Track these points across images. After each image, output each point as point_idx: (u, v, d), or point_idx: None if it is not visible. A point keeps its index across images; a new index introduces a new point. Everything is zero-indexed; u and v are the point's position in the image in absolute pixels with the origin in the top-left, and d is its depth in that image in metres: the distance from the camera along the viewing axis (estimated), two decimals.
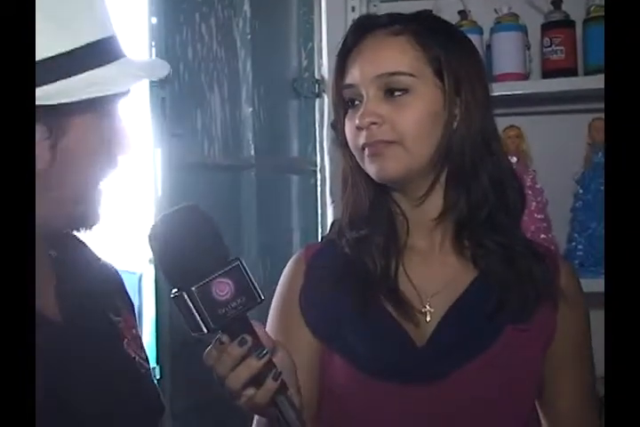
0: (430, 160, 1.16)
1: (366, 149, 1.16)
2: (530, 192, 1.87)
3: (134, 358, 1.09)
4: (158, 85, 1.72)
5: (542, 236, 1.87)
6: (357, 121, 1.16)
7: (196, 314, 0.87)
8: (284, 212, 2.23)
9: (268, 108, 2.12)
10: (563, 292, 1.19)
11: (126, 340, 1.10)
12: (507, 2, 1.98)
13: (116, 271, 1.20)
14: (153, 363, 1.73)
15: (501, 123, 1.95)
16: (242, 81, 2.04)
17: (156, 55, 1.73)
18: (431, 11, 1.31)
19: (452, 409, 1.10)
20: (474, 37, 1.93)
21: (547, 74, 1.94)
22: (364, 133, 1.16)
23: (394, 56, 1.16)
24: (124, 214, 1.81)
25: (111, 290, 1.13)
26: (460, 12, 2.02)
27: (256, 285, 0.92)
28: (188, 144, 1.83)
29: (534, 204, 1.89)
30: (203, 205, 1.84)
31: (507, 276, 1.16)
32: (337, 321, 1.16)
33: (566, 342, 1.19)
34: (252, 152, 2.04)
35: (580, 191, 1.93)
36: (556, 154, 2.01)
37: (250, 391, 0.92)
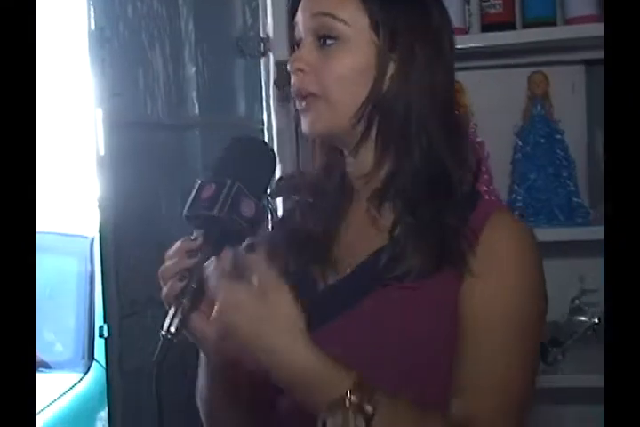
0: (354, 117, 1.10)
1: (297, 103, 1.13)
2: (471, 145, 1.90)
3: None
4: (98, 44, 1.72)
5: (484, 188, 1.91)
6: (288, 65, 1.13)
7: (222, 199, 0.94)
8: None
9: (212, 66, 2.11)
10: (475, 259, 1.05)
11: None
12: None
13: None
14: (101, 321, 1.76)
15: None
16: (184, 40, 2.03)
17: (95, 13, 1.71)
18: None
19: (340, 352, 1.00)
20: None
21: (485, 28, 1.96)
22: (294, 81, 1.13)
23: None
24: (66, 175, 1.81)
25: None
26: None
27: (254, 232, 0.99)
28: (129, 103, 1.83)
29: None
30: (146, 165, 1.87)
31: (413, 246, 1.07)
32: None
33: (470, 318, 1.04)
34: (197, 111, 2.04)
35: (520, 144, 1.97)
36: (496, 107, 2.04)
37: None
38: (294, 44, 1.15)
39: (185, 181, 2.03)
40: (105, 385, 1.81)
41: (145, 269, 1.86)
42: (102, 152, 1.73)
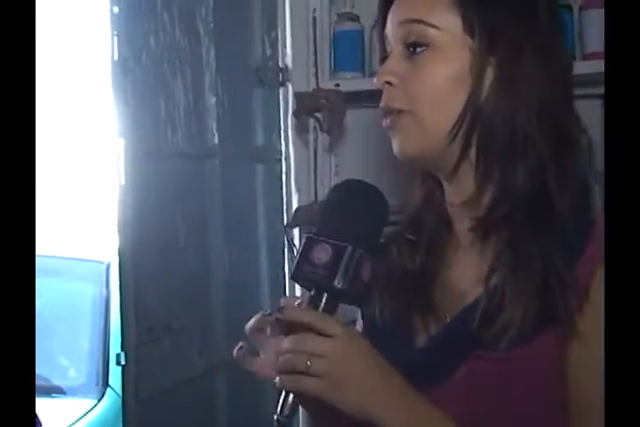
0: (449, 135, 0.95)
1: (383, 120, 0.99)
2: None
3: None
4: (121, 74, 1.74)
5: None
6: (375, 79, 0.99)
7: (343, 268, 0.86)
8: (249, 200, 2.25)
9: (231, 96, 2.14)
10: (582, 320, 0.89)
11: None
12: None
13: None
14: (118, 349, 1.76)
15: None
16: (205, 69, 2.05)
17: (118, 43, 1.74)
18: None
19: None
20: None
21: None
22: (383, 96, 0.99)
23: (422, 1, 0.97)
24: (88, 204, 1.82)
25: None
26: None
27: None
28: (151, 133, 1.85)
29: None
30: (166, 193, 1.88)
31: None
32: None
33: (576, 391, 0.90)
34: (216, 141, 2.06)
35: None
36: None
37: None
38: (383, 59, 1.03)
39: (204, 211, 2.05)
40: (119, 412, 1.82)
41: (162, 297, 1.87)
42: (123, 181, 1.74)
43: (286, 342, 0.85)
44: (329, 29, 2.13)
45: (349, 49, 2.08)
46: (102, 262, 3.22)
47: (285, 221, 2.21)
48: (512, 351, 0.89)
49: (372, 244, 0.90)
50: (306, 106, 2.01)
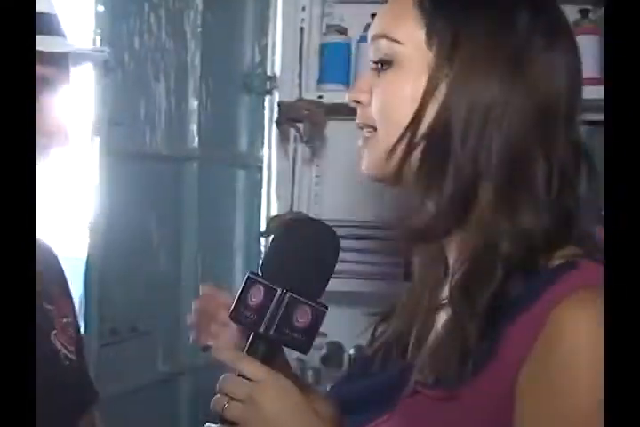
0: (390, 153, 0.89)
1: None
2: None
3: (59, 350, 1.10)
4: (100, 73, 1.73)
5: None
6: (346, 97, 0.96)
7: (269, 313, 0.83)
8: (227, 206, 2.24)
9: (215, 101, 2.13)
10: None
11: (55, 331, 1.11)
12: None
13: (56, 257, 1.21)
14: None
15: None
16: (190, 73, 2.05)
17: (101, 43, 1.73)
18: None
19: None
20: None
21: None
22: None
23: (391, 14, 0.92)
24: (63, 201, 1.81)
25: (49, 276, 1.13)
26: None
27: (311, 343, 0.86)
28: (128, 133, 1.84)
29: None
30: (141, 195, 1.87)
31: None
32: None
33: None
34: (196, 144, 2.05)
35: None
36: None
37: None
38: None
39: (180, 215, 2.04)
40: None
41: (130, 300, 1.86)
42: (97, 181, 1.73)
43: (220, 380, 0.84)
44: (317, 40, 2.12)
45: (336, 61, 2.07)
46: (81, 259, 3.20)
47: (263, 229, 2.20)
48: (451, 389, 0.82)
49: (315, 286, 0.86)
50: (288, 115, 2.00)
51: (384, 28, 0.91)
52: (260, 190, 2.27)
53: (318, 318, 0.84)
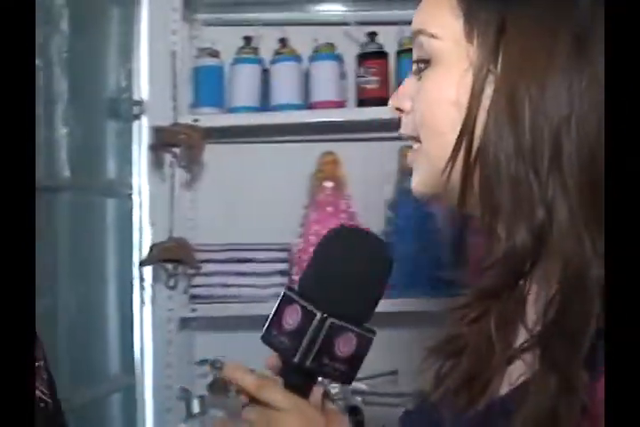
0: (444, 170, 0.75)
1: None
2: (344, 216, 1.94)
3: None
4: None
5: None
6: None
7: (306, 342, 0.73)
8: (100, 236, 2.17)
9: (83, 128, 2.07)
10: None
11: None
12: (325, 32, 2.05)
13: None
14: None
15: (318, 149, 2.04)
16: (57, 100, 1.98)
17: None
18: None
19: None
20: (293, 65, 2.00)
21: (361, 102, 2.02)
22: None
23: (427, 5, 0.80)
24: None
25: None
26: (280, 40, 2.06)
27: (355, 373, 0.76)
28: None
29: None
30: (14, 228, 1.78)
31: None
32: None
33: None
34: (68, 173, 1.99)
35: (392, 216, 2.01)
36: (370, 179, 2.08)
37: None
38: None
39: (55, 245, 1.96)
40: None
41: None
42: None
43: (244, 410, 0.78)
44: (189, 64, 2.11)
45: (209, 84, 2.07)
46: None
47: (138, 258, 2.14)
48: None
49: (359, 309, 0.75)
50: (164, 140, 1.98)
51: (420, 23, 0.79)
52: (132, 218, 2.22)
53: (364, 345, 0.74)
